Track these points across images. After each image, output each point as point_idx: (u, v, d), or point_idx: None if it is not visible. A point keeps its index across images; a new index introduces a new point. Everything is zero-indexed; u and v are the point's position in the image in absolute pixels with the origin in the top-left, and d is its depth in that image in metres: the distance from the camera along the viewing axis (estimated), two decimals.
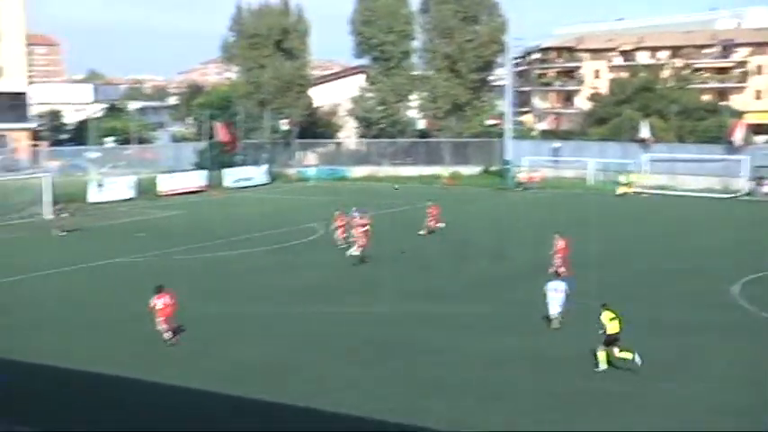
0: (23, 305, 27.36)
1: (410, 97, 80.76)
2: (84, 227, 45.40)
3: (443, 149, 77.81)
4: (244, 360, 21.40)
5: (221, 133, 70.58)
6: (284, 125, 77.42)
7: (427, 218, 42.30)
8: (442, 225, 42.06)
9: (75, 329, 24.41)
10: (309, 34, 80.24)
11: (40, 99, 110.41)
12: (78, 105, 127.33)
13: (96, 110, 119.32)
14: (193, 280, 31.38)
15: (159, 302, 22.48)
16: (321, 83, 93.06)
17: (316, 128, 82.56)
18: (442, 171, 72.65)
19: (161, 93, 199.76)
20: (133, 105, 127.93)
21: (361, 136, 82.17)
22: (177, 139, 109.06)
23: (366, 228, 35.87)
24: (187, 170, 67.14)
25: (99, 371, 20.40)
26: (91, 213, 51.63)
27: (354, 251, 34.80)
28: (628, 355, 20.07)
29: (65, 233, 42.97)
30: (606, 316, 20.49)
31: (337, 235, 38.01)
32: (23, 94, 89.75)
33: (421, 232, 41.69)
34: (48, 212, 49.34)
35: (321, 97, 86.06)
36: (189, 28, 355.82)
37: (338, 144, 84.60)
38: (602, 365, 20.25)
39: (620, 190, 60.88)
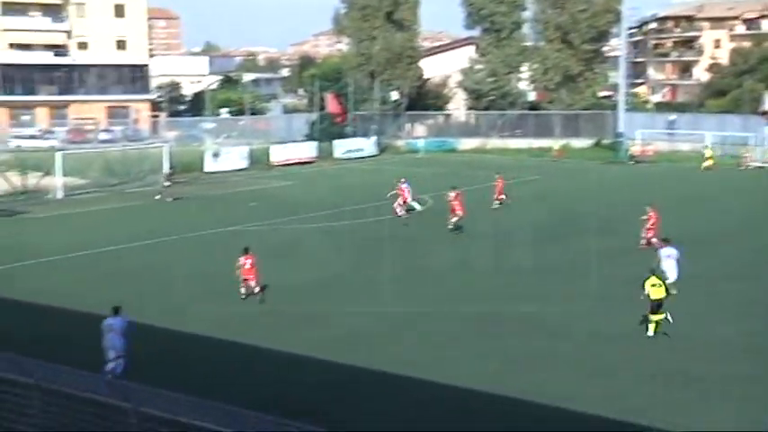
0: (149, 271, 28.61)
1: (521, 69, 79.76)
2: (196, 195, 47.11)
3: (554, 122, 76.66)
4: (344, 328, 21.89)
5: (331, 105, 71.55)
6: (394, 97, 77.78)
7: (495, 191, 42.13)
8: (503, 197, 42.02)
9: (191, 296, 25.38)
10: (419, 5, 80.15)
11: (160, 71, 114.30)
12: (195, 77, 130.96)
13: (212, 82, 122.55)
14: (300, 249, 32.17)
15: (247, 263, 24.51)
16: (431, 54, 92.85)
17: (425, 100, 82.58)
18: (552, 144, 71.65)
19: (274, 65, 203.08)
20: (247, 77, 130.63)
21: (471, 108, 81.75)
22: (289, 110, 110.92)
23: (457, 201, 35.94)
24: (298, 141, 68.36)
25: (214, 335, 21.26)
26: (206, 182, 53.35)
27: (452, 222, 35.34)
28: (653, 326, 20.73)
29: (173, 200, 44.73)
30: (649, 283, 20.85)
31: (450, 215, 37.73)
32: (144, 66, 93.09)
33: (494, 206, 41.53)
34: (168, 181, 51.27)
35: (431, 69, 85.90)
36: (302, 0, 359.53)
37: (447, 116, 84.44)
38: (651, 332, 20.77)
39: (706, 164, 58.95)
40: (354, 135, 72.41)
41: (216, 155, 59.29)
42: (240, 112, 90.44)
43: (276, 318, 22.84)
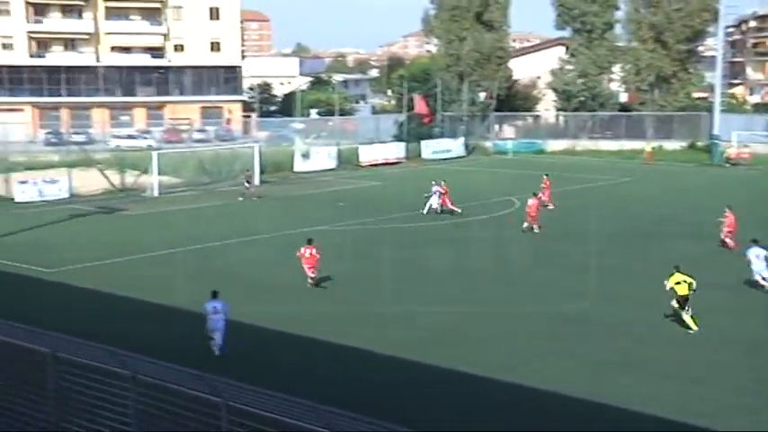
0: (237, 268, 29.21)
1: (612, 69, 78.39)
2: (285, 195, 47.93)
3: (646, 123, 75.08)
4: (429, 328, 21.98)
5: (419, 105, 71.67)
6: (482, 98, 77.45)
7: (542, 190, 41.61)
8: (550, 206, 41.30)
9: (275, 294, 25.93)
10: (509, 6, 79.62)
11: (252, 72, 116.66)
12: (286, 78, 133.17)
13: (302, 83, 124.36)
14: (386, 249, 32.44)
15: (306, 252, 25.87)
16: (520, 55, 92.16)
17: (514, 101, 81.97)
18: (644, 146, 70.16)
19: (363, 66, 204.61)
20: (336, 78, 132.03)
21: (560, 109, 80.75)
22: (377, 111, 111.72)
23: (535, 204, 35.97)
24: (386, 141, 68.70)
25: (300, 332, 21.62)
26: (295, 182, 54.20)
27: (526, 225, 35.37)
28: (691, 323, 21.04)
29: (257, 198, 45.79)
30: (673, 279, 21.30)
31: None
32: (237, 67, 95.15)
33: (550, 207, 41.11)
34: (257, 180, 52.27)
35: (520, 70, 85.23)
36: (391, 2, 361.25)
37: (536, 117, 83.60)
38: (693, 328, 21.08)
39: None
40: (442, 136, 72.35)
41: (305, 155, 60.07)
42: (329, 113, 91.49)
43: (362, 316, 23.11)
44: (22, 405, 13.66)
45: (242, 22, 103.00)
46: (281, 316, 22.95)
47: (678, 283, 21.29)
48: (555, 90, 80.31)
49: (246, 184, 47.30)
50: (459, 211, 39.78)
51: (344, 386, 17.66)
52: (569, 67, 78.69)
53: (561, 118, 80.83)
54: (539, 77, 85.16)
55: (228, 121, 70.19)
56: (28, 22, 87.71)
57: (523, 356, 19.72)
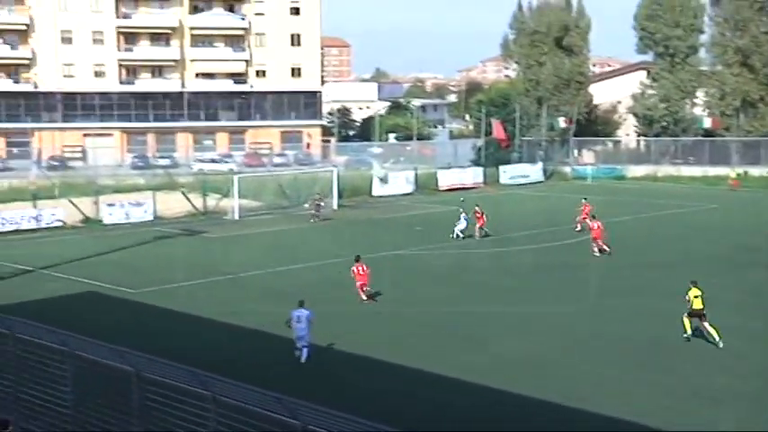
0: (324, 289, 29.40)
1: (695, 94, 76.82)
2: (363, 218, 48.30)
3: (731, 149, 73.17)
4: (503, 354, 21.79)
5: (498, 130, 71.47)
6: (561, 123, 76.82)
7: (580, 215, 42.02)
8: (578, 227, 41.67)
9: (349, 317, 26.12)
10: (590, 31, 79.00)
11: (331, 97, 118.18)
12: (364, 103, 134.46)
13: (380, 107, 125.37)
14: (465, 274, 32.35)
15: (359, 269, 27.65)
16: (600, 80, 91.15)
17: (593, 126, 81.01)
18: (728, 172, 68.36)
19: (441, 90, 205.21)
20: (415, 103, 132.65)
21: (641, 134, 79.42)
22: (455, 135, 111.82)
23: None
24: (464, 166, 68.60)
25: (376, 356, 21.69)
26: (373, 206, 54.48)
27: (596, 248, 35.74)
28: (713, 333, 21.85)
29: (319, 220, 46.82)
30: (692, 293, 22.28)
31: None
32: (317, 92, 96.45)
33: (577, 228, 41.54)
34: (334, 204, 52.77)
35: (600, 95, 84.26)
36: (470, 27, 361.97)
37: (616, 142, 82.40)
38: (687, 332, 22.30)
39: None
40: (520, 161, 71.92)
41: (383, 179, 60.41)
42: (407, 138, 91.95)
43: (437, 340, 23.05)
44: (108, 423, 14.04)
45: (322, 48, 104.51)
46: (365, 339, 23.13)
47: (696, 297, 22.20)
48: (636, 115, 79.08)
49: (318, 206, 48.09)
50: (478, 236, 40.12)
51: (419, 411, 17.60)
52: (651, 91, 77.44)
53: (642, 143, 79.46)
54: (619, 102, 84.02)
55: (308, 145, 71.23)
56: (119, 50, 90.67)
57: (607, 385, 19.34)
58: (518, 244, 39.06)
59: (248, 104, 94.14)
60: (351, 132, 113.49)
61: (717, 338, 21.81)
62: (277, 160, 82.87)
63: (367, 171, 65.28)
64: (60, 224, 45.00)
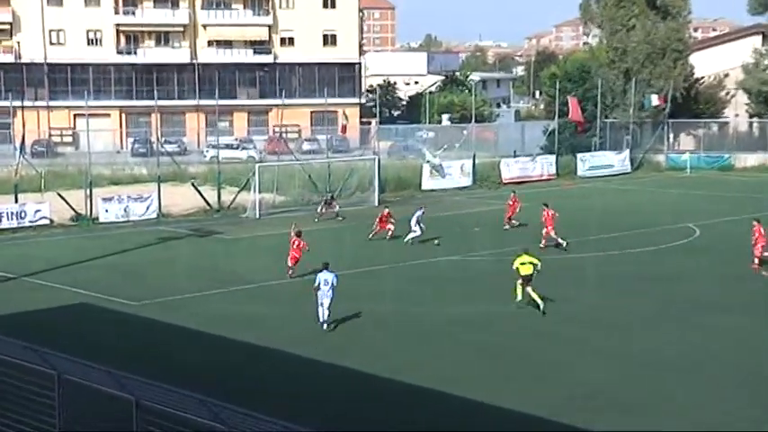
0: (367, 304, 29.59)
1: None
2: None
3: None
4: (588, 384, 21.72)
5: (575, 111, 70.95)
6: (654, 101, 75.99)
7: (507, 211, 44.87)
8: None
9: (395, 334, 26.22)
10: None
11: (372, 70, 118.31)
12: (412, 77, 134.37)
13: (432, 83, 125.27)
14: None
15: (295, 244, 32.93)
16: (703, 48, 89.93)
17: (694, 104, 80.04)
18: None
19: (505, 62, 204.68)
20: (473, 77, 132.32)
21: (754, 115, 78.31)
22: (522, 117, 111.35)
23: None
24: (534, 155, 68.48)
25: (429, 386, 21.72)
26: (424, 202, 54.20)
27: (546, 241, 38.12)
28: (538, 299, 27.72)
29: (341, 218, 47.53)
30: (519, 260, 28.04)
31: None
32: (355, 64, 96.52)
33: (505, 227, 43.72)
34: (375, 199, 52.88)
35: (702, 66, 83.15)
36: None
37: (722, 125, 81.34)
38: (518, 298, 28.16)
39: None
40: (603, 148, 71.50)
41: (435, 169, 60.47)
42: (464, 119, 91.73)
43: (501, 370, 23.07)
44: None
45: (361, 10, 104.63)
46: (392, 362, 23.20)
47: (524, 263, 27.89)
48: (747, 91, 77.97)
49: (328, 203, 48.86)
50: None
51: None
52: None
53: (755, 126, 78.36)
54: (727, 75, 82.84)
55: (344, 128, 71.19)
56: (117, 13, 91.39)
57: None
58: (597, 249, 38.91)
59: (272, 79, 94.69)
60: (396, 113, 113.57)
61: (540, 305, 27.55)
62: (306, 146, 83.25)
63: (415, 160, 65.31)
64: (47, 222, 45.64)
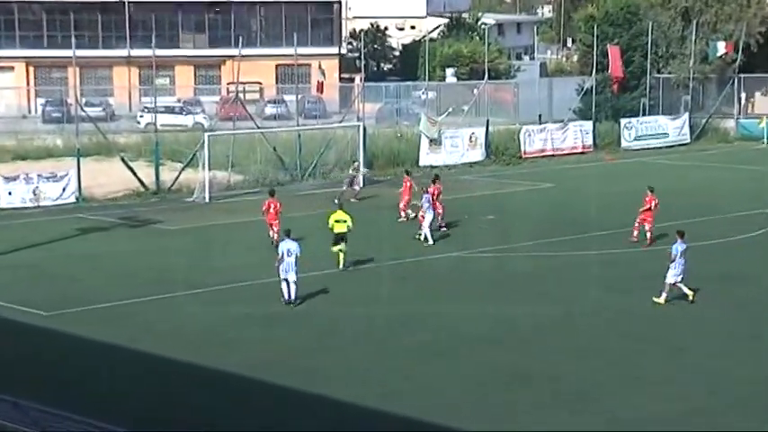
0: (346, 312, 29.85)
1: None
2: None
3: None
4: (634, 418, 21.79)
5: (617, 64, 70.85)
6: (721, 49, 75.96)
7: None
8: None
9: (380, 354, 26.24)
10: None
11: (356, 11, 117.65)
12: (407, 20, 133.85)
13: (432, 27, 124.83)
14: (561, 290, 32.40)
15: (271, 207, 37.55)
16: None
17: None
18: None
19: (528, 2, 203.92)
20: (486, 20, 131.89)
21: None
22: (550, 72, 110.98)
23: None
24: (564, 121, 68.48)
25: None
26: (422, 182, 54.11)
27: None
28: (340, 257, 33.95)
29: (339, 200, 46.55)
30: (333, 217, 33.67)
31: None
32: (334, 3, 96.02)
33: (401, 217, 43.72)
34: (360, 179, 52.65)
35: None
36: None
37: None
38: (341, 265, 34.10)
39: None
40: (654, 112, 71.52)
41: (435, 140, 60.32)
42: (475, 75, 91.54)
43: (530, 397, 23.21)
44: None
45: None
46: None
47: (338, 221, 33.32)
48: None
49: (350, 179, 49.31)
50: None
51: None
52: None
53: None
54: None
55: (319, 86, 70.41)
56: None
57: None
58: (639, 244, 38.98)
59: (225, 22, 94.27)
60: (386, 66, 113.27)
61: (341, 263, 33.74)
62: (270, 110, 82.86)
63: (411, 128, 65.14)
64: None
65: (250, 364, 24.90)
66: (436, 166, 58.18)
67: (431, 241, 38.63)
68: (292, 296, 29.68)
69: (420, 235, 39.10)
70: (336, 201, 46.03)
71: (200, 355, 25.74)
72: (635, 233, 38.73)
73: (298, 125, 58.92)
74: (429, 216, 39.05)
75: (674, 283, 29.93)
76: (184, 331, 28.20)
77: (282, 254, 29.51)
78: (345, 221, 33.26)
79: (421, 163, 59.07)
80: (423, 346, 26.69)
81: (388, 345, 26.78)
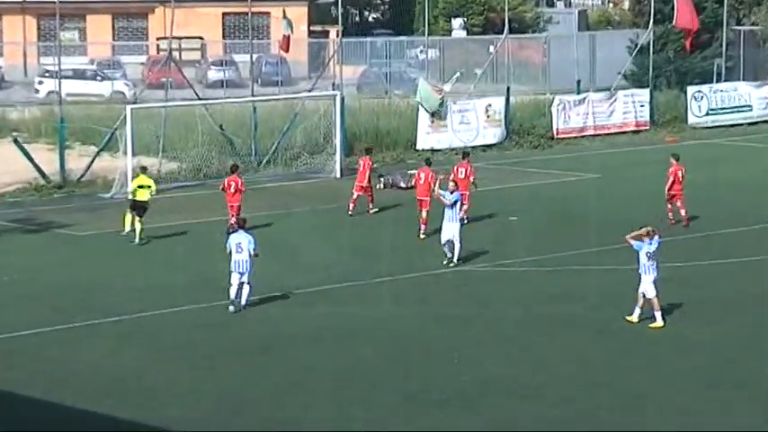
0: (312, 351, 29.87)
1: None
2: (407, 198, 48.15)
3: None
4: None
5: (683, 13, 70.92)
6: None
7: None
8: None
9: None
10: None
11: None
12: None
13: None
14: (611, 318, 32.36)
15: (232, 186, 41.28)
16: None
17: None
18: None
19: None
20: None
21: None
22: (592, 23, 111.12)
23: None
24: (611, 88, 68.74)
25: None
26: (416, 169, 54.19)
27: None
28: (137, 227, 39.46)
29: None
30: (137, 181, 38.83)
31: None
32: None
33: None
34: (337, 165, 52.67)
35: None
36: None
37: None
38: (126, 228, 40.11)
39: None
40: (732, 77, 71.81)
41: (437, 114, 60.54)
42: (491, 29, 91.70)
43: None
44: None
45: None
46: None
47: (141, 186, 38.50)
48: None
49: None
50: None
51: None
52: None
53: None
54: None
55: (283, 43, 69.80)
56: None
57: None
58: (725, 250, 39.29)
59: None
60: (373, 16, 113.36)
61: (137, 239, 38.96)
62: (215, 75, 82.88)
63: (405, 98, 65.12)
64: None
65: (180, 418, 24.94)
66: (439, 150, 58.16)
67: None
68: (242, 300, 31.81)
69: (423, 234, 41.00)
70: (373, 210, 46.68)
71: (113, 406, 25.63)
72: (670, 215, 42.44)
73: (253, 95, 58.97)
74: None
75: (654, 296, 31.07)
76: (93, 374, 27.99)
77: (231, 249, 31.76)
78: (149, 187, 38.99)
79: (419, 146, 59.09)
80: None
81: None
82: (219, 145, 53.96)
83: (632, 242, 31.70)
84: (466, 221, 40.40)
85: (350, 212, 45.62)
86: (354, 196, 45.50)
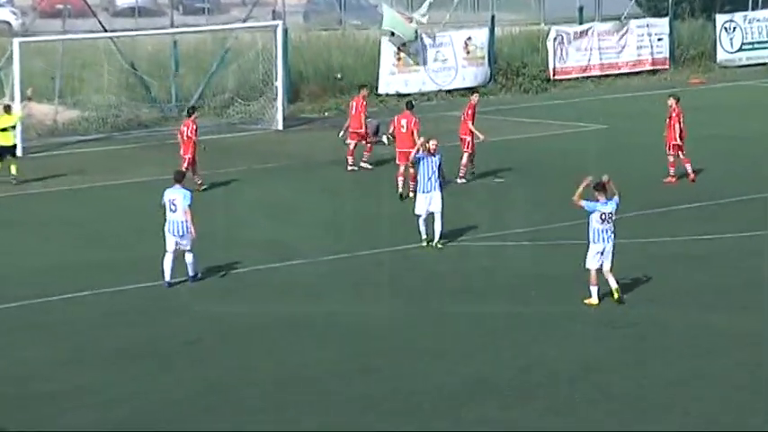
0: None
1: None
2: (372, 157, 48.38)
3: None
4: None
5: None
6: None
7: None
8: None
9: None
10: None
11: None
12: None
13: None
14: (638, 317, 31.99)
15: (186, 130, 43.63)
16: None
17: None
18: None
19: None
20: None
21: None
22: None
23: None
24: (621, 17, 68.75)
25: None
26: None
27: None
28: (12, 170, 41.78)
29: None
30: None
31: None
32: None
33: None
34: (279, 116, 52.43)
35: None
36: None
37: None
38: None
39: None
40: (763, 6, 71.74)
41: (406, 49, 60.41)
42: None
43: None
44: None
45: None
46: None
47: (5, 129, 41.38)
48: None
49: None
50: None
51: None
52: None
53: None
54: None
55: None
56: None
57: None
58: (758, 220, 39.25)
59: None
60: None
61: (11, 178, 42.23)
62: (123, 1, 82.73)
63: (364, 29, 65.00)
64: None
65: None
66: (407, 95, 57.80)
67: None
68: (189, 271, 32.97)
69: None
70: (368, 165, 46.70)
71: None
72: (671, 170, 43.40)
73: (172, 25, 58.80)
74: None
75: (599, 269, 31.23)
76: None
77: (164, 206, 32.89)
78: (14, 127, 40.81)
79: (381, 89, 58.89)
80: None
81: None
82: (131, 89, 53.78)
83: (582, 203, 31.64)
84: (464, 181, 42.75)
85: (350, 166, 46.41)
86: (352, 146, 45.89)
